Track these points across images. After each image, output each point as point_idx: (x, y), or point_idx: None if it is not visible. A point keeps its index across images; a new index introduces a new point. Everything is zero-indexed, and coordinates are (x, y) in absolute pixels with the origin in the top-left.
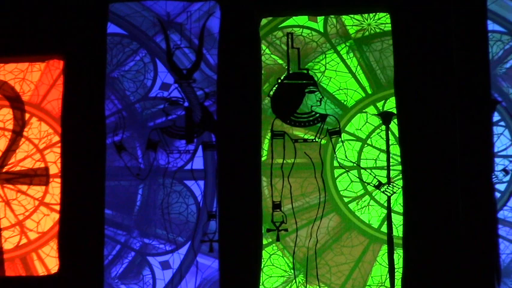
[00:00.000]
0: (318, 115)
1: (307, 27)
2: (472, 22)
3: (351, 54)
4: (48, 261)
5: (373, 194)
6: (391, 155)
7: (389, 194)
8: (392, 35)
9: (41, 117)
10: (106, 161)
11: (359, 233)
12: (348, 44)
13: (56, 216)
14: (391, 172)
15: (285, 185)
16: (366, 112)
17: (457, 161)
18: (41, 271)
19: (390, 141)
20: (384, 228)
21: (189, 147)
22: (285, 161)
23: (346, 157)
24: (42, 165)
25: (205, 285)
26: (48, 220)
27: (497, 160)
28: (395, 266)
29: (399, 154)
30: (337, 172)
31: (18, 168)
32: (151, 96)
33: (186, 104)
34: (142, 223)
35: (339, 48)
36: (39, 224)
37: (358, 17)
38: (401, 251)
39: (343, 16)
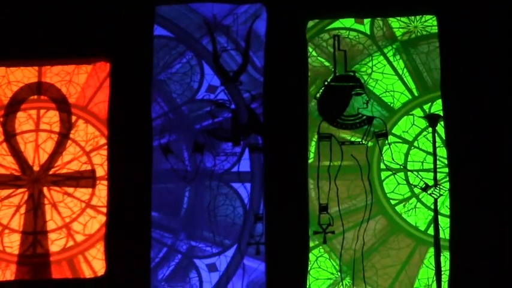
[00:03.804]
0: (364, 117)
1: (354, 30)
2: None
3: (398, 57)
4: (95, 263)
5: (420, 197)
6: (437, 157)
7: (436, 197)
8: (438, 38)
9: (88, 120)
10: (152, 163)
11: (406, 235)
12: (394, 46)
13: (103, 218)
14: (438, 174)
15: (332, 188)
16: (412, 114)
17: (505, 164)
18: (87, 273)
19: (437, 143)
20: (431, 231)
21: (236, 150)
22: (331, 163)
23: (393, 159)
24: (89, 167)
25: (252, 287)
26: (95, 222)
27: None
28: (442, 269)
29: (446, 156)
30: (384, 174)
31: (64, 171)
32: (197, 98)
33: (232, 106)
34: (189, 226)
35: (385, 50)
36: (86, 226)
37: (404, 19)
38: (448, 253)
39: (390, 18)
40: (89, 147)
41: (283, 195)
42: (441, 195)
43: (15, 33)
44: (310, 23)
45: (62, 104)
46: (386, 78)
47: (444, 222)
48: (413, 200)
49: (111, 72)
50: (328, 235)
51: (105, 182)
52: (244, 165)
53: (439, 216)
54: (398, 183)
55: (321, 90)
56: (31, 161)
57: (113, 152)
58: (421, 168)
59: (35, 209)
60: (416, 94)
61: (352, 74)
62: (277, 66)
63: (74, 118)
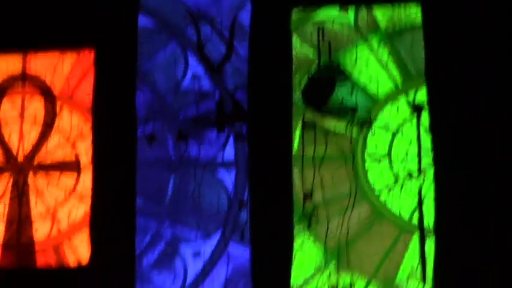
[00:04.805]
0: (348, 107)
1: (338, 20)
2: (508, 16)
3: (382, 46)
4: (79, 251)
5: (404, 185)
6: (421, 145)
7: (420, 184)
8: (422, 27)
9: (72, 109)
10: (137, 152)
11: (390, 223)
12: (378, 36)
13: (87, 206)
14: (422, 163)
15: (316, 176)
16: (396, 103)
17: (490, 151)
18: (72, 261)
19: (421, 131)
20: (415, 219)
21: (220, 138)
22: (315, 152)
23: (377, 148)
24: (73, 156)
25: (237, 273)
26: (79, 210)
27: None
28: (427, 256)
29: (430, 145)
30: (368, 163)
31: (49, 159)
32: (182, 87)
33: (217, 95)
34: (173, 213)
35: (369, 40)
36: (70, 214)
37: (388, 9)
38: (433, 240)
39: (374, 9)
40: (73, 136)
41: (268, 183)
42: (425, 183)
43: None
44: (295, 14)
45: (47, 93)
46: (370, 68)
47: (428, 210)
48: (398, 187)
49: (96, 62)
50: (312, 223)
51: (90, 170)
52: (229, 154)
53: (423, 204)
54: (382, 172)
55: (305, 79)
56: (15, 150)
57: (97, 140)
58: (405, 156)
59: (19, 197)
60: (400, 83)
61: (336, 64)
62: (261, 56)
63: (58, 107)
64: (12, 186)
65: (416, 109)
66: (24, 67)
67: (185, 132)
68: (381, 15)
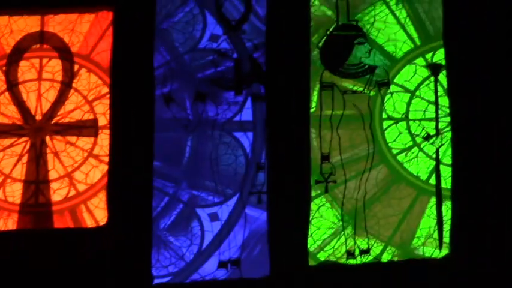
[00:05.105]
0: (366, 66)
1: None
2: None
3: (400, 6)
4: (96, 213)
5: (422, 146)
6: (439, 106)
7: (437, 146)
8: None
9: (90, 69)
10: (154, 112)
11: (407, 185)
12: None
13: (105, 167)
14: (440, 124)
15: (334, 137)
16: (414, 63)
17: (507, 112)
18: (89, 223)
19: (439, 92)
20: (433, 180)
21: (238, 99)
22: (333, 113)
23: (395, 109)
24: (91, 116)
25: (254, 237)
26: (96, 172)
27: None
28: (444, 218)
29: (448, 106)
30: (385, 124)
31: (67, 120)
32: (200, 47)
33: (235, 55)
34: (190, 175)
35: None
36: (87, 175)
37: None
38: (450, 203)
39: None
40: (91, 96)
41: (285, 144)
42: (443, 144)
43: None
44: None
45: (65, 53)
46: (388, 28)
47: (446, 172)
48: (415, 149)
49: (114, 21)
50: (330, 184)
51: (107, 131)
52: (247, 115)
53: (441, 166)
54: (400, 133)
55: (323, 39)
56: (33, 110)
57: (115, 101)
58: (423, 117)
59: (37, 158)
60: (418, 43)
61: (354, 23)
62: (279, 15)
63: (76, 67)
64: (30, 147)
65: (435, 70)
66: (42, 26)
67: (203, 92)
68: None
